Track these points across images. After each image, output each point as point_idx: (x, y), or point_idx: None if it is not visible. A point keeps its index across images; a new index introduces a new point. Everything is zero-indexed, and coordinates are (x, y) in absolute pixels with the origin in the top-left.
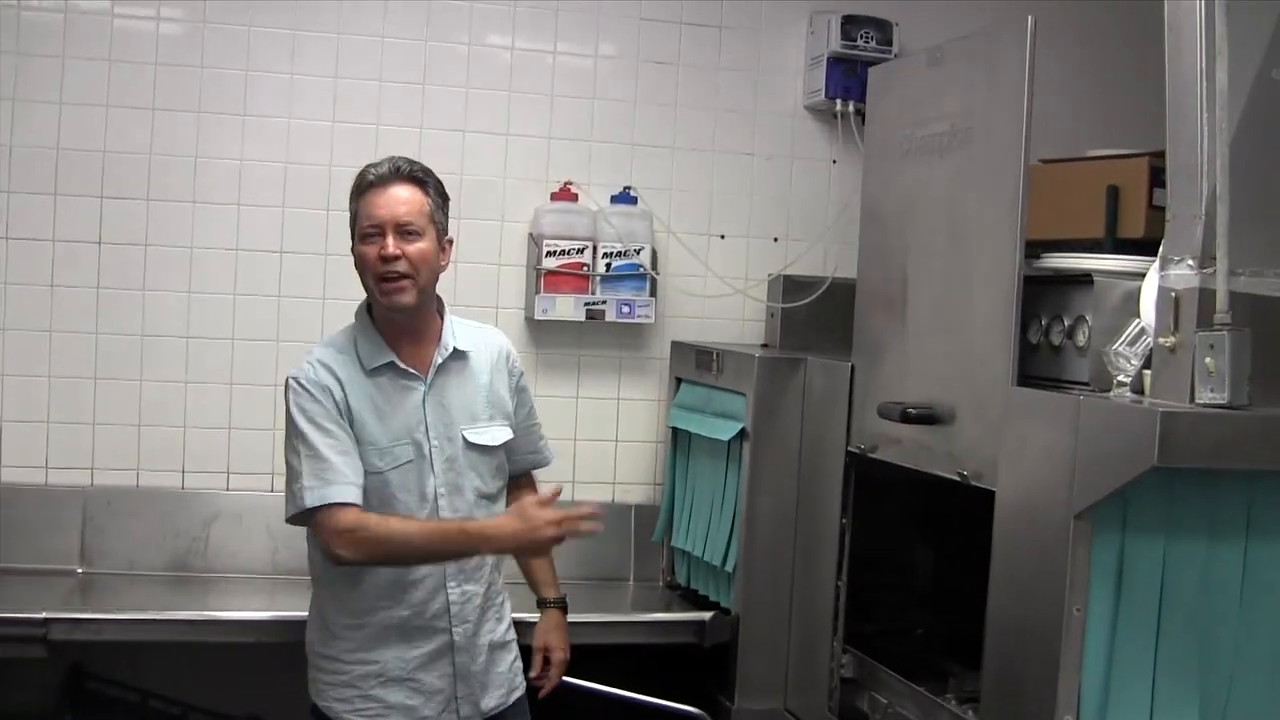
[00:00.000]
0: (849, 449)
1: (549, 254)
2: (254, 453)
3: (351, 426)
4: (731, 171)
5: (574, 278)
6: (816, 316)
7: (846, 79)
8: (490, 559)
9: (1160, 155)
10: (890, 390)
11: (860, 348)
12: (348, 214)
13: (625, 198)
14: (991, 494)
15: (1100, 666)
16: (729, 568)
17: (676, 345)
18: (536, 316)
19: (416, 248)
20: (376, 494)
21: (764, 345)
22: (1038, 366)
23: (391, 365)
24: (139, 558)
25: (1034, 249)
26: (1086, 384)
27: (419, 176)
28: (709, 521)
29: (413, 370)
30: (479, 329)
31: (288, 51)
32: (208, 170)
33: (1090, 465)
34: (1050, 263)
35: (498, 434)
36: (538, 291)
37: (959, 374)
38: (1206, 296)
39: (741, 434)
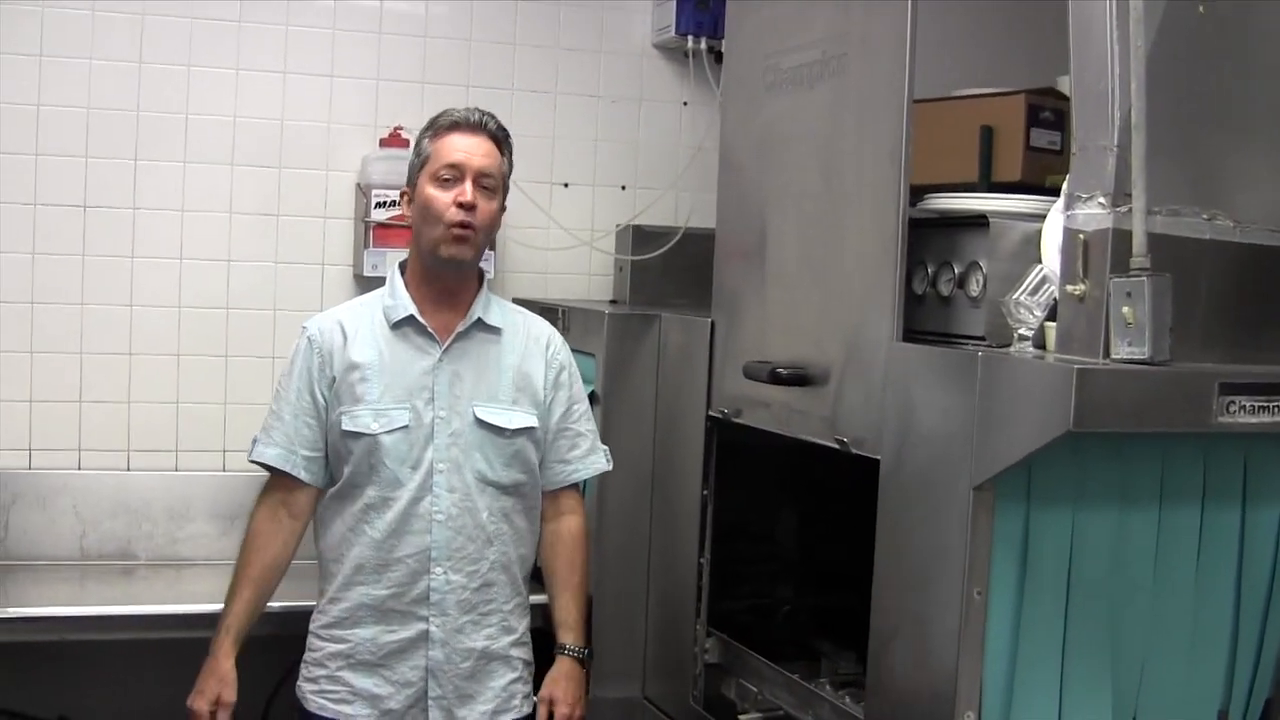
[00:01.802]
0: (710, 413)
1: (378, 205)
2: (57, 428)
3: (349, 383)
4: (575, 115)
5: (406, 230)
6: (669, 269)
7: (699, 14)
8: (491, 554)
9: (1039, 93)
10: (756, 348)
11: (720, 302)
12: (414, 153)
13: None
14: (874, 462)
15: (1004, 655)
16: None
17: (518, 302)
18: (366, 273)
19: (489, 205)
20: (366, 458)
21: (613, 301)
22: (923, 320)
23: (412, 320)
24: None
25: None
26: (981, 338)
27: (501, 135)
28: None
29: (432, 331)
30: (521, 313)
31: None
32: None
33: (994, 430)
34: (936, 204)
35: (516, 418)
36: (367, 246)
37: (834, 329)
38: (1120, 238)
39: (591, 398)
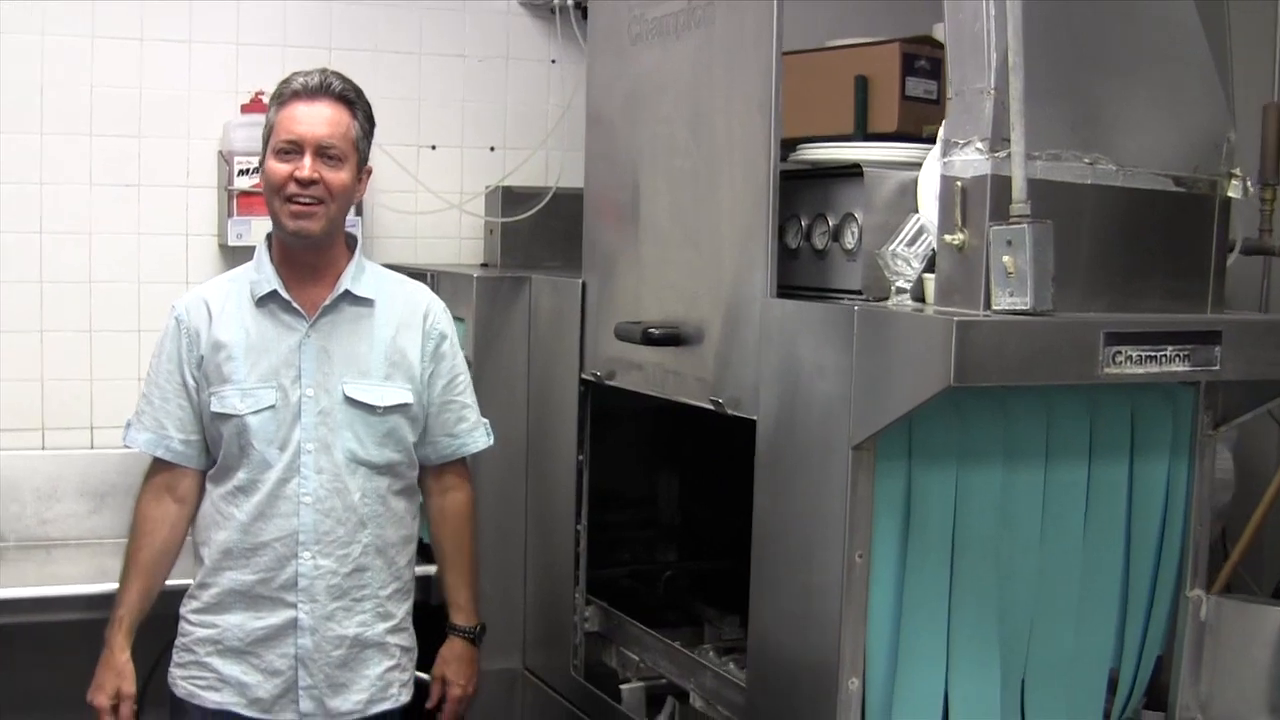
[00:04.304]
0: (584, 376)
1: (241, 173)
2: None
3: (215, 362)
4: (441, 76)
5: None
6: (541, 231)
7: None
8: (364, 538)
9: (914, 41)
10: (629, 309)
11: (591, 263)
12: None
13: None
14: (751, 423)
15: (888, 619)
16: None
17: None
18: (230, 243)
19: (336, 176)
20: (235, 440)
21: (484, 265)
22: (798, 274)
23: (275, 296)
24: None
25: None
26: (858, 292)
27: (349, 96)
28: None
29: (297, 307)
30: (399, 281)
31: None
32: None
33: (872, 387)
34: (808, 154)
35: (389, 395)
36: (231, 215)
37: (707, 287)
38: (999, 184)
39: None
